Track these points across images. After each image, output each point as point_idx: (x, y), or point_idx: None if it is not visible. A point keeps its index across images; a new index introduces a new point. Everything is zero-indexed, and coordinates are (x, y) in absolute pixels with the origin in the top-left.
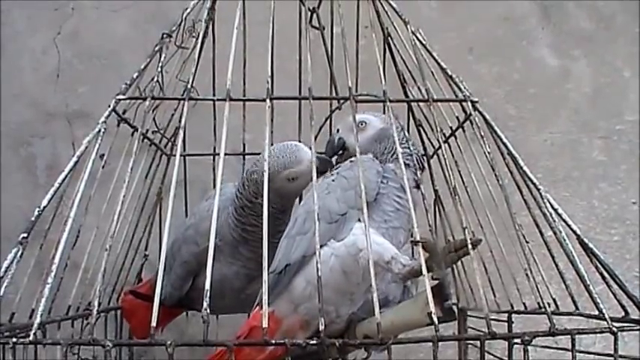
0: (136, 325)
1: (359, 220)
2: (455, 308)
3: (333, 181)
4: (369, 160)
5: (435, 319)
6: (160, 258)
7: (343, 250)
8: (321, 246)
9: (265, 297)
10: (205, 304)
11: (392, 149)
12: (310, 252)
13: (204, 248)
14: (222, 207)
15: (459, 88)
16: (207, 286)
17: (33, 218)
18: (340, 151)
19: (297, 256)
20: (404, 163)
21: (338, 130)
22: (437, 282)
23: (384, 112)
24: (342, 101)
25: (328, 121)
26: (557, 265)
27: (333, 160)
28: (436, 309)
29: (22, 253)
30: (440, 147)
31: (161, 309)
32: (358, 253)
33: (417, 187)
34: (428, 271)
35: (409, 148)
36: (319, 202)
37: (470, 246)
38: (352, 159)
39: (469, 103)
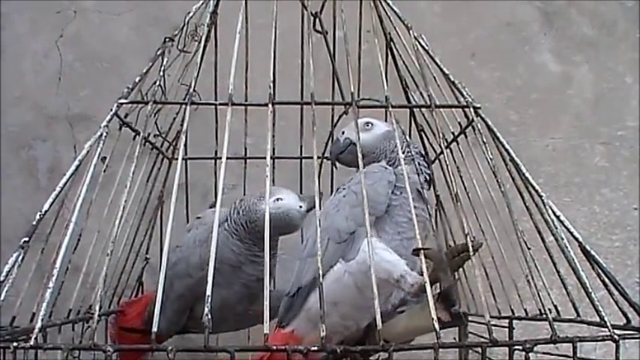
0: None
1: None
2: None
3: (344, 197)
4: (380, 170)
5: (438, 326)
6: (160, 263)
7: (355, 267)
8: (332, 265)
9: (266, 312)
10: (207, 310)
11: (402, 147)
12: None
13: (199, 278)
14: (207, 237)
15: (461, 94)
16: (209, 291)
17: (34, 222)
18: (345, 150)
19: (309, 278)
20: (415, 163)
21: (343, 133)
22: (444, 288)
23: (385, 118)
24: (346, 106)
25: (331, 127)
26: (558, 271)
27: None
28: (445, 314)
29: (23, 257)
30: (442, 152)
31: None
32: (369, 270)
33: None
34: (436, 282)
35: (419, 151)
36: (328, 219)
37: (471, 250)
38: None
39: (471, 109)
